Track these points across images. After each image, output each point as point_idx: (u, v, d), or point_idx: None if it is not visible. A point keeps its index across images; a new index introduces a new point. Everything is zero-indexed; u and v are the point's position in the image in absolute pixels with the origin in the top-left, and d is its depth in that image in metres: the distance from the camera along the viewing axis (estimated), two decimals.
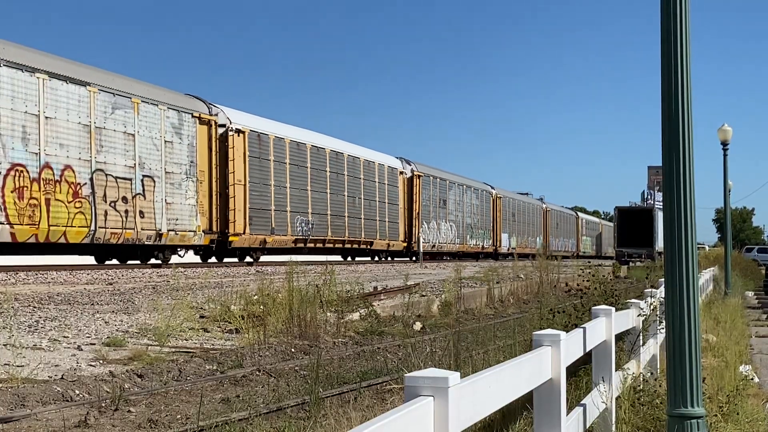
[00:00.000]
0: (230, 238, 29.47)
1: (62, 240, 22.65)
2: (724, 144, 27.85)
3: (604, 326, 6.52)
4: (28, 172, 21.49)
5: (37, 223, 21.65)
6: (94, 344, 10.77)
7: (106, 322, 12.55)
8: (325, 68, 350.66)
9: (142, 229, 25.40)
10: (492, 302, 22.54)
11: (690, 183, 5.32)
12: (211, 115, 29.20)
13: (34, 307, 13.74)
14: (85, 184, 23.39)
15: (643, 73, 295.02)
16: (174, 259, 27.80)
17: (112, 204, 24.33)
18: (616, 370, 6.76)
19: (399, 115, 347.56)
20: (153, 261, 26.95)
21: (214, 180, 28.93)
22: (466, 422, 3.23)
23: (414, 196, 46.05)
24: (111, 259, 26.62)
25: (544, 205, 74.34)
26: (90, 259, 26.16)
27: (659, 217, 59.18)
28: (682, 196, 5.30)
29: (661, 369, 9.21)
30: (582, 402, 5.81)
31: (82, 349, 10.43)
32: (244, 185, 30.34)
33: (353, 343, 13.32)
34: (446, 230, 50.60)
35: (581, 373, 7.21)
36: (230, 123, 30.00)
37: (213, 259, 30.67)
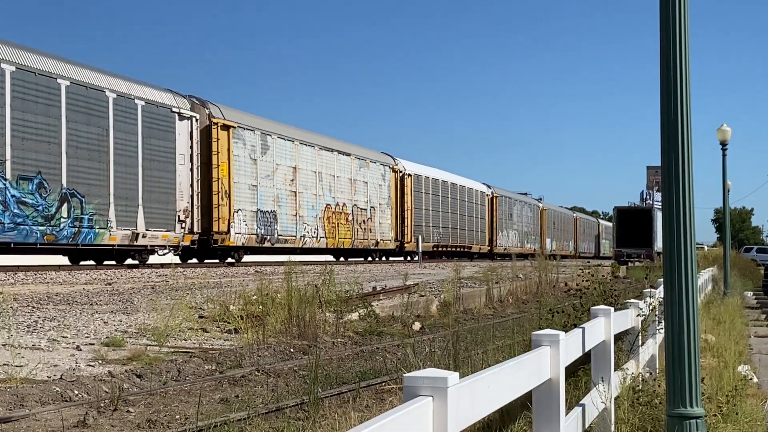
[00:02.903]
0: (405, 244, 46.37)
1: (341, 246, 39.58)
2: (723, 144, 27.82)
3: (603, 326, 6.51)
4: (330, 208, 38.50)
5: (334, 237, 38.77)
6: (93, 344, 10.77)
7: (105, 322, 12.55)
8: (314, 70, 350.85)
9: (370, 239, 42.59)
10: (491, 302, 22.52)
11: (689, 183, 5.32)
12: (396, 165, 46.19)
13: (33, 307, 13.74)
14: (350, 213, 40.34)
15: (642, 73, 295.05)
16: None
17: (359, 225, 41.30)
18: (615, 370, 6.75)
19: (390, 112, 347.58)
20: (369, 258, 43.26)
21: (396, 207, 45.90)
22: (465, 422, 3.23)
23: (493, 212, 61.78)
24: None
25: (575, 215, 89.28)
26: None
27: (658, 217, 59.13)
28: (681, 196, 5.30)
29: (660, 369, 9.21)
30: (581, 402, 5.80)
31: (81, 349, 10.42)
32: (411, 210, 46.90)
33: (352, 343, 13.31)
34: (512, 236, 65.83)
35: (580, 373, 7.20)
36: (405, 170, 46.90)
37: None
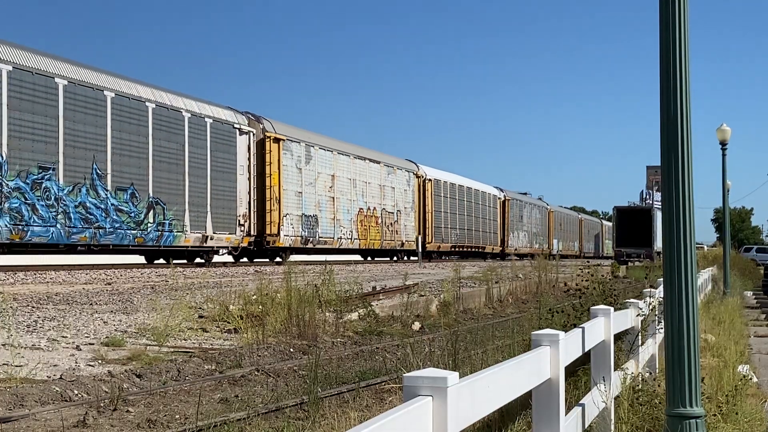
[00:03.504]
0: (426, 244, 49.44)
1: (372, 247, 42.86)
2: (723, 144, 27.81)
3: (603, 326, 6.51)
4: (363, 212, 41.90)
5: (366, 238, 42.09)
6: (93, 344, 10.77)
7: (104, 322, 12.55)
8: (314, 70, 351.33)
9: (396, 240, 45.82)
10: (491, 302, 22.51)
11: (689, 183, 5.32)
12: (418, 171, 49.43)
13: (33, 307, 13.73)
14: (379, 216, 43.61)
15: (642, 73, 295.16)
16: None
17: (386, 227, 44.58)
18: (614, 370, 6.75)
19: (405, 116, 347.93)
20: (395, 258, 46.62)
21: (419, 210, 49.03)
22: (464, 422, 3.22)
23: (505, 214, 65.02)
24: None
25: (579, 216, 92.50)
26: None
27: (658, 216, 59.13)
28: (680, 196, 5.30)
29: (660, 369, 9.20)
30: (581, 402, 5.80)
31: (80, 349, 10.42)
32: (432, 212, 50.37)
33: (352, 343, 13.31)
34: (522, 237, 69.16)
35: (580, 373, 7.20)
36: (426, 175, 50.08)
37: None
